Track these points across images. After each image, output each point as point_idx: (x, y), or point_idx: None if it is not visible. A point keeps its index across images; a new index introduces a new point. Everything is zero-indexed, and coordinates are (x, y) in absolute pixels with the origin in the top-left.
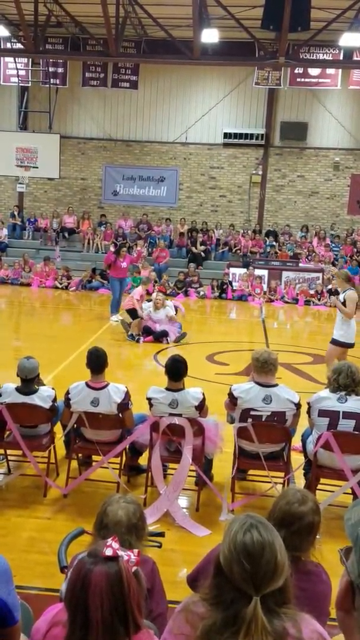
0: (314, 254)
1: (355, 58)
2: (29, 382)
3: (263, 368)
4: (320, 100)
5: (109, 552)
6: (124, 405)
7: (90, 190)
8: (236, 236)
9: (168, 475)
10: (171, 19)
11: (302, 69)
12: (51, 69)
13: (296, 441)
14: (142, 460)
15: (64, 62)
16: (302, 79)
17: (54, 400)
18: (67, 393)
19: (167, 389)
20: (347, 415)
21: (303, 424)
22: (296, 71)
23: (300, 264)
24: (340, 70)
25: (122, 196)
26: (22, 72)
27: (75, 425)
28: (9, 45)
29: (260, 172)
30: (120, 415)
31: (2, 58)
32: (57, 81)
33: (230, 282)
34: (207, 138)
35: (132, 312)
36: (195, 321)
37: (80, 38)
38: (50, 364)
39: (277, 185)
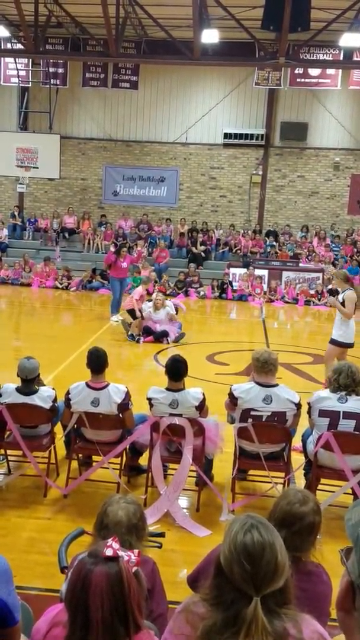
0: (314, 254)
1: (355, 58)
2: (30, 382)
3: (263, 368)
4: (320, 101)
5: (109, 552)
6: (124, 406)
7: (91, 190)
8: (236, 236)
9: (168, 476)
10: (171, 19)
11: (302, 69)
12: (51, 70)
13: (296, 441)
14: (143, 461)
15: (64, 62)
16: (302, 79)
17: (54, 400)
18: (68, 393)
19: (167, 389)
20: (348, 415)
21: (303, 424)
22: (296, 71)
23: (301, 264)
24: (340, 70)
25: (123, 196)
26: (22, 73)
27: (75, 426)
28: (9, 45)
29: (260, 172)
30: (121, 415)
31: (2, 58)
32: (58, 81)
33: (231, 282)
34: (207, 138)
35: (133, 313)
36: (196, 321)
37: (80, 38)
38: (50, 364)
39: (277, 186)
